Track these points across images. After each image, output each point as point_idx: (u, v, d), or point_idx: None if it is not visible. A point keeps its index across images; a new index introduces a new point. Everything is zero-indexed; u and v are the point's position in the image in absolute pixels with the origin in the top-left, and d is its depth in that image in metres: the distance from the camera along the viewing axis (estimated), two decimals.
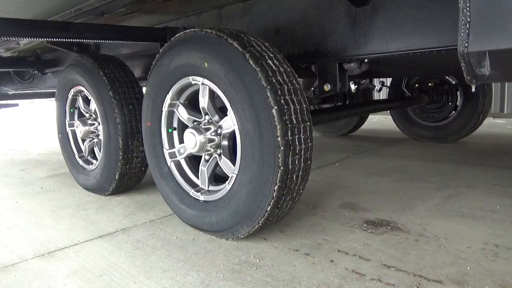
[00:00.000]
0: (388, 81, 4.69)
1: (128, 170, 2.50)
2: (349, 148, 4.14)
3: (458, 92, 4.10)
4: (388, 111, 4.75)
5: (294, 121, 1.54)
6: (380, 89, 4.34)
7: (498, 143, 4.11)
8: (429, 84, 4.16)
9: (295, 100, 1.56)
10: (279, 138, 1.48)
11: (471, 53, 0.99)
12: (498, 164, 3.10)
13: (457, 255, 1.57)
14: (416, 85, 4.26)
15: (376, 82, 4.89)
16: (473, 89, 3.82)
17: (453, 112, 4.13)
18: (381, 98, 6.99)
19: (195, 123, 1.91)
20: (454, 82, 4.05)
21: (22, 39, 2.70)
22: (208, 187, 1.91)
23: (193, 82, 1.83)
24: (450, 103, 4.16)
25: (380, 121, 6.78)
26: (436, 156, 3.49)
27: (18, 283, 1.50)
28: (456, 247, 1.64)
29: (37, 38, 2.23)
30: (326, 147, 4.29)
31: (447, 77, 4.07)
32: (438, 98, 4.16)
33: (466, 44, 0.99)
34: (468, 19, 0.97)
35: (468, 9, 0.97)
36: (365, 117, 5.05)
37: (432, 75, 4.05)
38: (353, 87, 2.27)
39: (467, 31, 0.97)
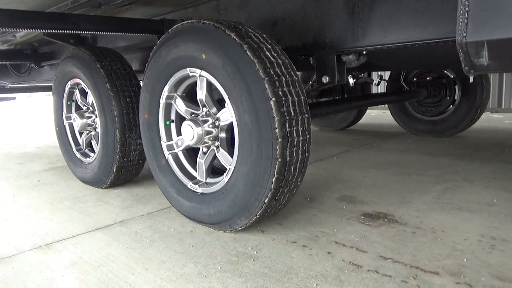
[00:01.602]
0: (387, 75, 4.68)
1: (126, 163, 2.49)
2: (347, 142, 4.14)
3: (456, 86, 4.10)
4: (387, 106, 4.75)
5: (292, 113, 1.53)
6: (379, 83, 4.33)
7: (496, 137, 4.12)
8: (427, 78, 4.15)
9: (293, 92, 1.56)
10: (277, 130, 1.48)
11: (470, 43, 0.98)
12: (495, 158, 3.11)
13: (454, 247, 1.58)
14: (414, 79, 4.26)
15: (375, 76, 4.88)
16: (471, 80, 3.81)
17: (451, 106, 4.13)
18: (379, 92, 6.98)
19: (193, 115, 1.90)
20: (452, 76, 4.04)
21: (18, 30, 2.67)
22: (206, 179, 1.90)
23: (190, 74, 1.83)
24: (448, 97, 4.16)
25: (378, 116, 6.79)
26: (433, 150, 3.50)
27: (16, 274, 1.51)
28: (452, 240, 1.64)
29: (34, 30, 2.22)
30: (324, 141, 4.29)
31: (445, 71, 4.06)
32: (436, 92, 4.15)
33: (464, 34, 0.98)
34: (467, 8, 0.96)
35: None
36: (363, 112, 5.04)
37: (430, 68, 4.04)
38: (351, 81, 2.26)
39: (465, 21, 0.97)
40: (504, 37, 0.93)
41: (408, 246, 1.60)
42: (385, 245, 1.61)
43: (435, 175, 2.66)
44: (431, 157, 3.23)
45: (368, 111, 6.97)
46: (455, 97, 4.11)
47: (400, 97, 3.86)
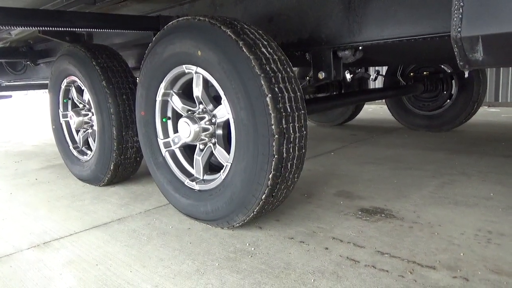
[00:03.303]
0: (384, 70, 4.68)
1: (123, 161, 2.49)
2: (345, 138, 4.14)
3: (453, 81, 4.10)
4: (384, 101, 4.75)
5: (289, 109, 1.53)
6: (376, 78, 4.33)
7: (492, 131, 4.13)
8: (424, 73, 4.15)
9: (289, 88, 1.55)
10: (273, 127, 1.48)
11: (464, 38, 0.98)
12: (492, 152, 3.12)
13: (450, 241, 1.58)
14: (411, 74, 4.26)
15: (372, 71, 4.88)
16: (466, 75, 3.82)
17: (448, 101, 4.14)
18: (376, 87, 6.98)
19: (189, 112, 1.90)
20: (449, 71, 4.05)
21: (13, 28, 2.66)
22: (203, 176, 1.90)
23: (186, 71, 1.82)
24: (445, 92, 4.16)
25: (375, 111, 6.79)
26: (430, 145, 3.51)
27: (14, 273, 1.51)
28: (449, 234, 1.65)
29: (29, 27, 2.20)
30: (322, 137, 4.29)
31: (442, 66, 4.06)
32: (433, 87, 4.16)
33: (459, 29, 0.98)
34: (461, 3, 0.96)
35: None
36: (360, 107, 5.04)
37: (427, 63, 4.04)
38: (348, 76, 2.26)
39: (460, 16, 0.97)
40: (498, 32, 0.93)
41: (405, 240, 1.61)
42: (382, 240, 1.62)
43: (432, 169, 2.67)
44: (428, 151, 3.24)
45: (365, 106, 6.97)
46: (452, 92, 4.11)
47: (397, 92, 3.87)
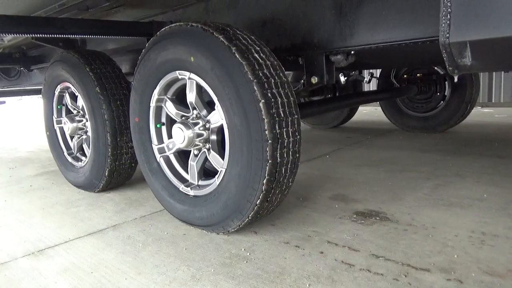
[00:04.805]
0: (377, 72, 4.70)
1: (118, 167, 2.49)
2: (340, 140, 4.16)
3: (446, 82, 4.13)
4: (378, 103, 4.78)
5: (282, 114, 1.54)
6: (370, 81, 4.34)
7: (486, 132, 4.16)
8: (418, 74, 4.18)
9: (282, 93, 1.56)
10: (266, 132, 1.49)
11: (452, 43, 1.00)
12: (485, 152, 3.14)
13: (445, 243, 1.59)
14: (405, 76, 4.29)
15: (365, 73, 4.90)
16: (456, 79, 3.86)
17: (442, 102, 4.17)
18: (370, 89, 7.02)
19: (183, 118, 1.90)
20: (442, 72, 4.08)
21: (5, 35, 2.65)
22: (198, 181, 1.90)
23: (180, 77, 1.82)
24: (438, 93, 4.19)
25: (370, 113, 6.81)
26: (425, 146, 3.52)
27: (8, 282, 1.50)
28: (443, 236, 1.66)
29: (22, 34, 2.20)
30: (317, 140, 4.30)
31: (435, 68, 4.09)
32: (426, 89, 4.18)
33: (447, 35, 0.99)
34: (449, 9, 0.97)
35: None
36: (355, 109, 5.07)
37: (420, 65, 4.07)
38: (342, 79, 2.27)
39: (448, 22, 0.98)
40: (486, 38, 0.95)
41: (400, 243, 1.61)
42: (377, 244, 1.62)
43: (427, 171, 2.69)
44: (422, 153, 3.26)
45: (360, 108, 7.00)
46: (445, 93, 4.14)
47: (391, 94, 3.89)
